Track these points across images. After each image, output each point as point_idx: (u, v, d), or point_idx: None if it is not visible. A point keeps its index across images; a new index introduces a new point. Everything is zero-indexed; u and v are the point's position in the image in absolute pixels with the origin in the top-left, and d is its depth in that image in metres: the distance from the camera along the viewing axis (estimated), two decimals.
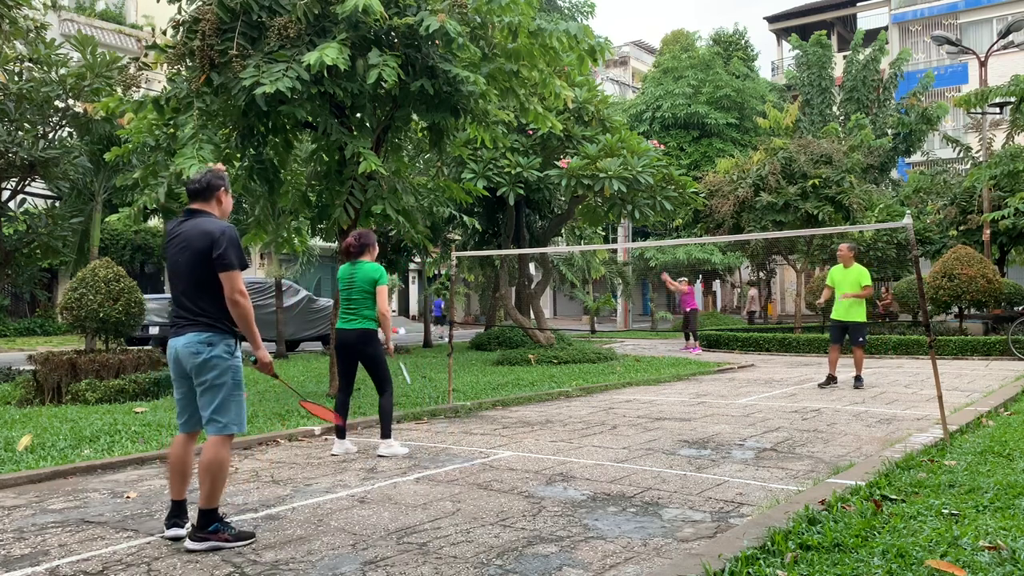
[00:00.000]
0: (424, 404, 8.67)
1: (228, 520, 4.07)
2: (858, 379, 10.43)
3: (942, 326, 17.74)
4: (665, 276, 19.89)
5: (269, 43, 7.62)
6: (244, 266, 3.99)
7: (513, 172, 13.87)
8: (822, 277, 20.76)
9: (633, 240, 29.89)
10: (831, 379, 10.52)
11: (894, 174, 30.90)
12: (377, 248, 6.45)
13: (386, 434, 6.30)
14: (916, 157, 30.15)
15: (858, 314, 10.29)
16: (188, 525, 4.04)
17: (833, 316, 10.53)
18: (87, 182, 14.37)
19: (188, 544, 3.88)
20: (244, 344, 4.19)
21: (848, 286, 10.25)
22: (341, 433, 6.36)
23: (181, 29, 7.95)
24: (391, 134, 9.83)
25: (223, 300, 3.96)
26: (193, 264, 3.95)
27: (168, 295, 16.04)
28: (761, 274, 32.74)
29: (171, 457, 4.12)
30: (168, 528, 4.05)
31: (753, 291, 30.98)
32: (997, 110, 19.01)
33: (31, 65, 12.90)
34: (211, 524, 3.88)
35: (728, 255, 29.51)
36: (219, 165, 4.42)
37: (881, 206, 21.77)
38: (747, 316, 30.14)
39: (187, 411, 4.11)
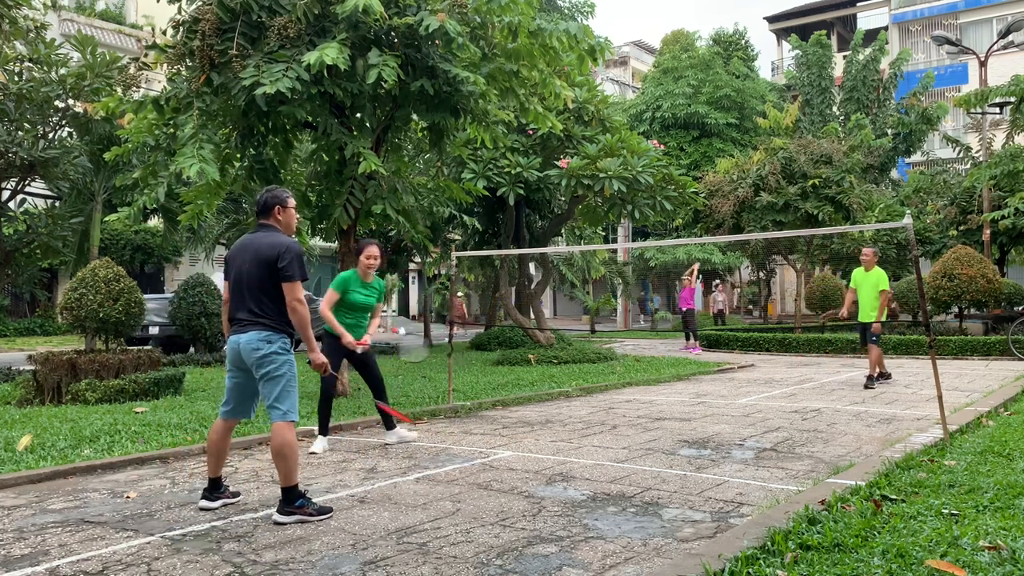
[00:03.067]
0: (424, 404, 8.67)
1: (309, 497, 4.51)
2: (870, 378, 10.43)
3: (942, 326, 17.74)
4: (696, 266, 19.77)
5: (269, 43, 7.62)
6: (304, 278, 4.46)
7: (513, 172, 13.86)
8: (822, 277, 20.81)
9: (633, 240, 29.88)
10: (882, 376, 10.57)
11: (894, 174, 30.90)
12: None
13: (390, 425, 6.69)
14: (916, 157, 30.15)
15: (876, 315, 10.35)
16: (219, 502, 4.63)
17: (859, 318, 10.62)
18: (87, 182, 14.37)
19: (276, 517, 4.33)
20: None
21: (868, 288, 10.35)
22: (389, 424, 6.73)
23: (181, 29, 7.95)
24: (391, 134, 9.83)
25: (282, 304, 4.44)
26: (260, 272, 4.42)
27: (168, 295, 16.08)
28: (761, 274, 32.75)
29: (210, 440, 4.68)
30: (201, 499, 4.66)
31: (720, 292, 30.59)
32: (997, 110, 19.00)
33: (31, 65, 12.91)
34: (296, 500, 4.34)
35: (728, 255, 29.49)
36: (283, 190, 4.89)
37: (881, 206, 21.78)
38: (713, 317, 29.49)
39: (233, 401, 4.63)
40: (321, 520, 4.32)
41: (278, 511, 4.35)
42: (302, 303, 4.39)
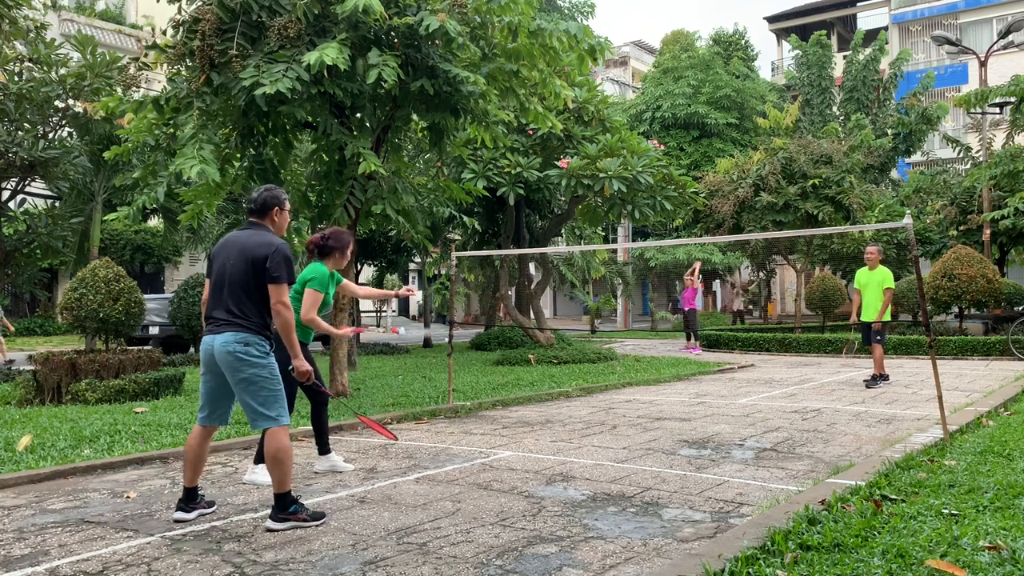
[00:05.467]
0: (424, 404, 8.67)
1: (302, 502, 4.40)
2: (874, 378, 10.42)
3: (942, 326, 17.74)
4: (697, 266, 19.49)
5: (269, 43, 7.62)
6: (291, 281, 4.31)
7: (513, 172, 13.87)
8: (822, 277, 20.82)
9: (633, 240, 29.89)
10: (882, 377, 10.54)
11: (894, 174, 30.89)
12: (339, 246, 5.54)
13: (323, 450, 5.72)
14: (916, 157, 30.14)
15: (883, 314, 10.33)
16: (195, 513, 4.41)
17: (863, 318, 10.56)
18: (87, 182, 14.38)
19: (269, 524, 4.20)
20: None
21: (873, 287, 10.30)
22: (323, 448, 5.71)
23: (181, 29, 7.95)
24: (391, 134, 9.83)
25: (264, 306, 4.28)
26: (245, 271, 4.25)
27: (168, 295, 16.08)
28: (761, 274, 32.77)
29: (187, 447, 4.43)
30: (176, 511, 4.42)
31: (739, 297, 30.82)
32: (997, 110, 19.01)
33: (31, 65, 12.92)
34: (290, 506, 4.22)
35: (728, 255, 29.50)
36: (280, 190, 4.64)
37: (881, 206, 21.78)
38: (732, 317, 30.11)
39: (209, 406, 4.41)
40: (317, 525, 4.23)
41: (271, 518, 4.21)
42: (287, 307, 4.23)
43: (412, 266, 29.26)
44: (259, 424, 4.24)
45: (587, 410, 8.75)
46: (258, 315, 4.27)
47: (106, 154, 9.61)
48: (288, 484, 4.22)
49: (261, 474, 5.29)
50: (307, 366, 4.50)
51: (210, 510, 4.54)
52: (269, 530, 4.17)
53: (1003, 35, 18.62)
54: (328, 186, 9.27)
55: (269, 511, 4.51)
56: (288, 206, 4.59)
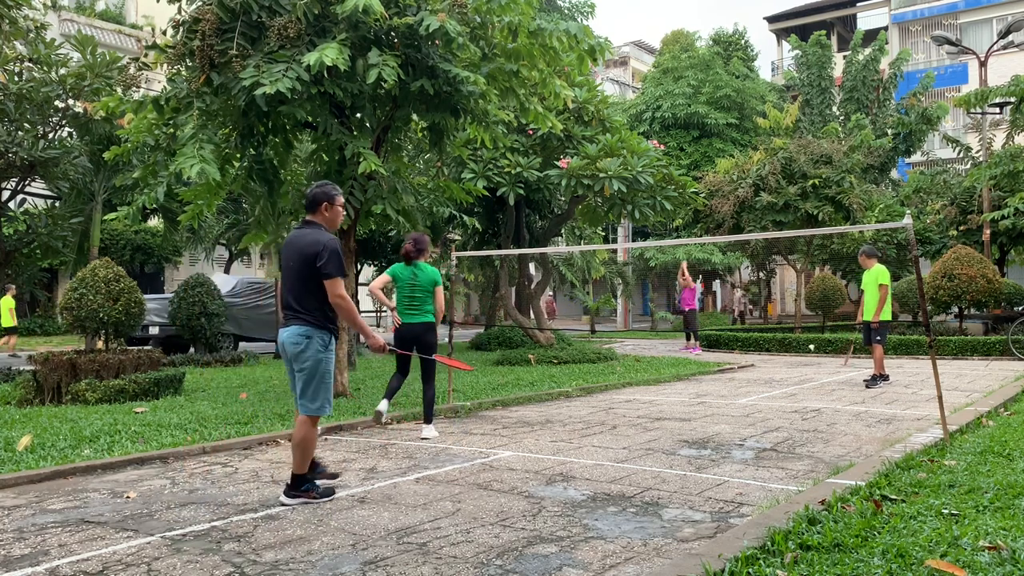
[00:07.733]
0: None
1: (314, 481, 4.84)
2: (873, 378, 10.43)
3: (942, 326, 17.74)
4: (684, 267, 19.51)
5: (269, 43, 7.62)
6: (344, 275, 4.63)
7: (513, 172, 13.86)
8: (822, 277, 20.83)
9: (633, 240, 29.89)
10: (882, 377, 10.52)
11: (894, 174, 30.88)
12: (430, 249, 7.23)
13: (428, 420, 7.11)
14: (916, 157, 30.13)
15: (882, 313, 10.34)
16: (299, 499, 4.73)
17: (864, 317, 10.59)
18: (87, 182, 14.38)
19: (282, 499, 4.67)
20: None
21: (869, 286, 10.37)
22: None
23: (181, 29, 7.95)
24: (391, 134, 9.83)
25: (325, 300, 4.59)
26: (301, 269, 4.58)
27: (168, 295, 16.09)
28: (761, 274, 32.77)
29: (295, 436, 4.79)
30: (282, 496, 4.76)
31: (738, 292, 30.86)
32: (997, 110, 19.01)
33: (31, 65, 12.91)
34: (303, 484, 4.71)
35: (728, 255, 29.49)
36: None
37: (881, 206, 21.77)
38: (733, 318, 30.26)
39: (295, 393, 4.80)
40: (326, 501, 4.66)
41: (285, 493, 4.68)
42: (344, 298, 4.55)
43: None
44: (303, 409, 4.65)
45: (587, 410, 8.75)
46: (319, 309, 4.59)
47: (106, 154, 9.60)
48: (306, 467, 4.69)
49: (434, 432, 6.99)
50: (380, 340, 4.90)
51: (334, 481, 5.08)
52: (282, 504, 4.62)
53: (1003, 35, 18.62)
54: None
55: (269, 511, 4.53)
56: (340, 200, 4.83)
